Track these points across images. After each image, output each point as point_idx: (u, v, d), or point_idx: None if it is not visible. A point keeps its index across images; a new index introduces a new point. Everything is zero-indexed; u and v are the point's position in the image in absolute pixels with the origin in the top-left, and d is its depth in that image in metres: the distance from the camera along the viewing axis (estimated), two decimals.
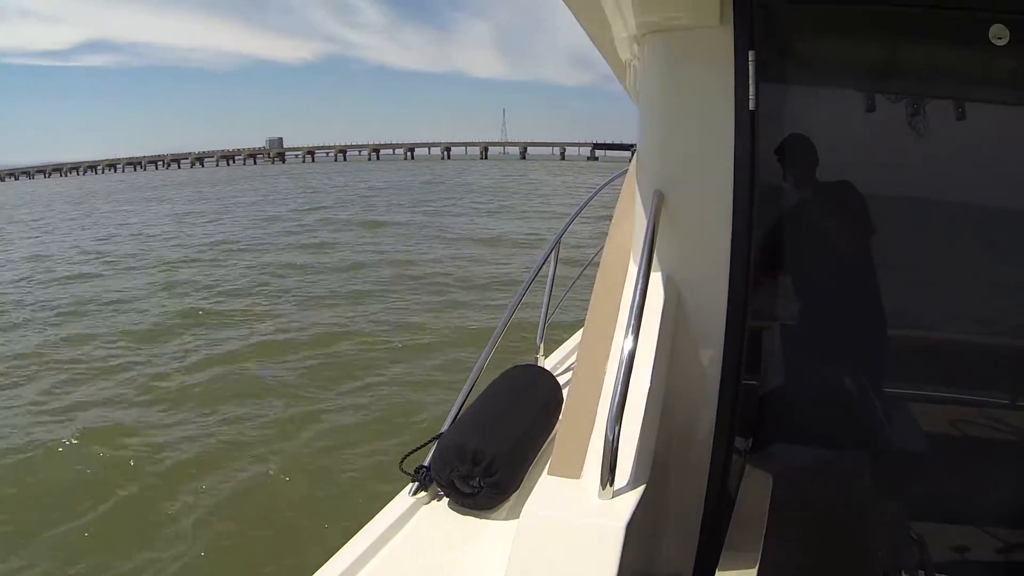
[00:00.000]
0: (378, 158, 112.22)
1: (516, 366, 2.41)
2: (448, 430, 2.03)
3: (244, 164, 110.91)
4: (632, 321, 1.63)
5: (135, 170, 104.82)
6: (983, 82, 1.93)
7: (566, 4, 1.94)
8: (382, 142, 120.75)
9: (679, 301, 1.99)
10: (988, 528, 2.11)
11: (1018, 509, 2.08)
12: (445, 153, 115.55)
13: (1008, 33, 1.76)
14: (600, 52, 2.64)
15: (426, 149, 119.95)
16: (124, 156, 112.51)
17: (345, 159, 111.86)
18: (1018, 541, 2.10)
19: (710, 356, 1.99)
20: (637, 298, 1.67)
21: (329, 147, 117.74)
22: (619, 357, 1.61)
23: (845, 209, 2.04)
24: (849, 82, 2.00)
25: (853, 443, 2.07)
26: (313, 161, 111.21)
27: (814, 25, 1.96)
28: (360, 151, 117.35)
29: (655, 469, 1.78)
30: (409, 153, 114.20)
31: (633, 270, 1.91)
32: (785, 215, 2.04)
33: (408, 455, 2.01)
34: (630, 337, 1.61)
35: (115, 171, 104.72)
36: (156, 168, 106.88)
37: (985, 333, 2.06)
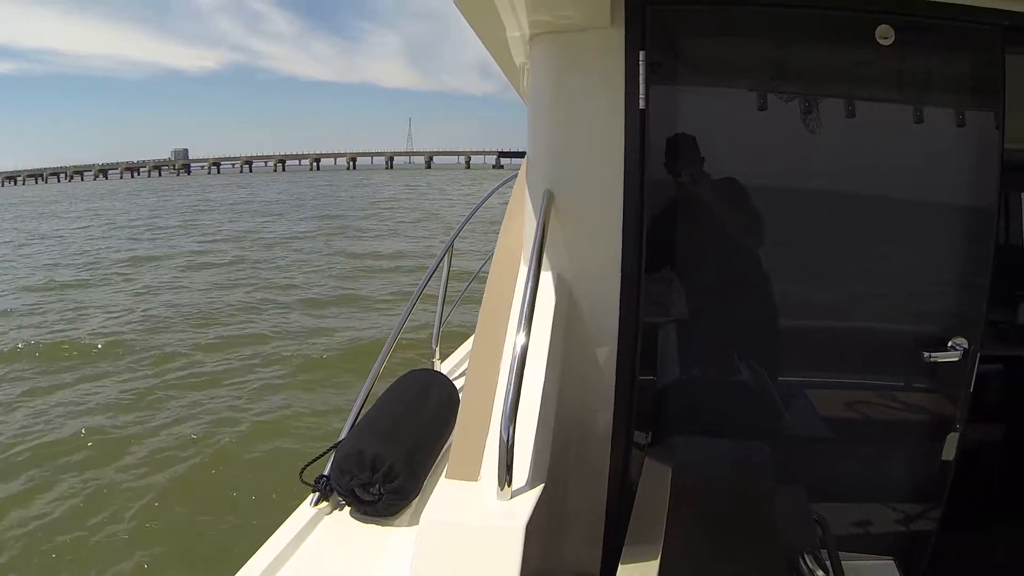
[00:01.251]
0: (284, 169, 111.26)
1: (412, 371, 2.36)
2: (346, 438, 1.96)
3: (149, 176, 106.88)
4: (523, 320, 1.62)
5: (36, 183, 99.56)
6: (870, 81, 1.99)
7: (459, 9, 1.96)
8: (289, 153, 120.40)
9: (571, 299, 2.01)
10: (885, 502, 2.23)
11: (910, 481, 2.19)
12: (351, 163, 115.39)
13: (893, 33, 1.85)
14: (495, 59, 2.65)
15: (332, 160, 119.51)
16: (24, 168, 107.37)
17: (251, 170, 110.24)
18: (914, 512, 2.21)
19: (606, 353, 2.02)
20: (527, 297, 1.67)
21: (235, 158, 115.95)
22: (511, 357, 1.59)
23: (733, 205, 2.07)
24: (740, 81, 2.03)
25: (750, 431, 2.10)
26: (219, 172, 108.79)
27: (705, 25, 1.99)
28: (266, 162, 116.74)
29: (555, 468, 1.79)
30: (315, 164, 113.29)
31: (524, 270, 1.89)
32: (676, 212, 2.05)
33: (307, 465, 1.93)
34: (521, 336, 1.59)
35: (15, 184, 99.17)
36: (58, 180, 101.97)
37: (872, 320, 2.14)
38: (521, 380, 1.55)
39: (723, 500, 1.60)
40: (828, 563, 1.44)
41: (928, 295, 2.12)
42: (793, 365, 2.19)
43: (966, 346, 2.04)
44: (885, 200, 2.05)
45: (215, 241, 21.04)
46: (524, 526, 1.41)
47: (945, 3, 1.84)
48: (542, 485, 1.60)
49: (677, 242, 2.07)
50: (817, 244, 2.10)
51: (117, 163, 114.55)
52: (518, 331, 1.61)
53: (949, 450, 2.14)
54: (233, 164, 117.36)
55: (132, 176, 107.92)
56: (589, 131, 1.96)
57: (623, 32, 1.89)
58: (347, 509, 1.87)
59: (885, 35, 1.88)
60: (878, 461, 2.24)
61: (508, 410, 1.49)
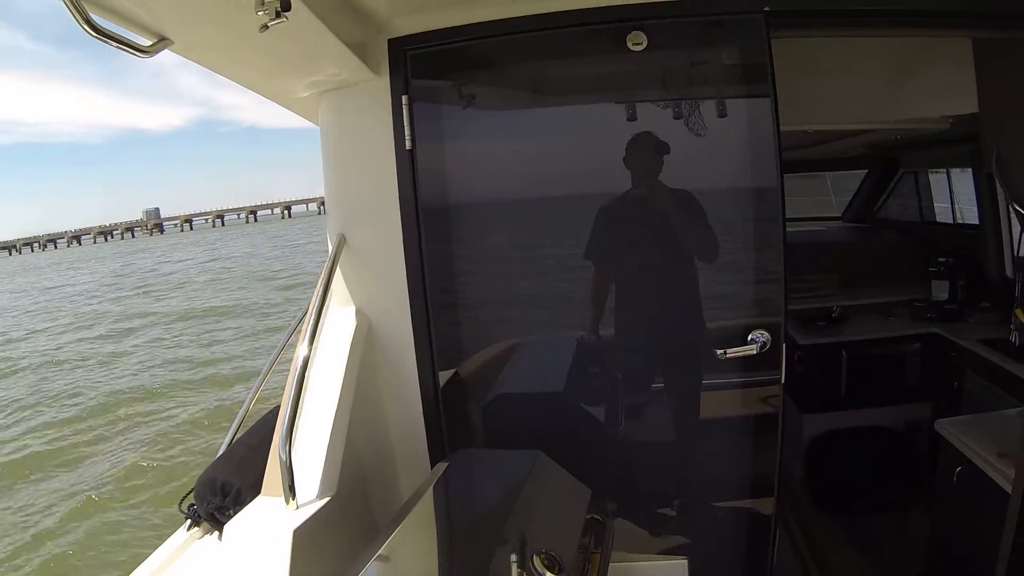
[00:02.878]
0: (255, 219, 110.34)
1: (277, 406, 2.39)
2: (206, 468, 2.08)
3: (122, 238, 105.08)
4: (303, 353, 1.81)
5: (10, 254, 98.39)
6: (641, 86, 2.08)
7: (239, 84, 2.08)
8: (259, 203, 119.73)
9: (371, 330, 2.15)
10: (718, 500, 2.31)
11: (740, 477, 2.25)
12: (321, 208, 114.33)
13: (645, 38, 1.95)
14: (304, 117, 2.73)
15: (303, 205, 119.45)
16: None
17: (223, 223, 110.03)
18: (746, 506, 2.27)
19: (408, 378, 2.15)
20: (309, 330, 1.86)
21: (206, 213, 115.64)
22: (293, 384, 1.77)
23: (508, 223, 2.18)
24: (505, 107, 2.16)
25: (559, 440, 2.09)
26: (192, 229, 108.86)
27: (463, 62, 2.10)
28: (238, 214, 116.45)
29: (357, 482, 1.94)
30: (286, 212, 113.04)
31: (315, 305, 2.00)
32: (452, 238, 2.16)
33: (185, 496, 2.07)
34: (299, 366, 1.79)
35: None
36: (32, 251, 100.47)
37: (678, 322, 2.22)
38: (297, 405, 1.73)
39: (475, 507, 1.71)
40: (589, 564, 1.49)
41: (726, 290, 2.18)
42: (599, 375, 2.26)
43: (766, 338, 2.09)
44: (676, 200, 2.12)
45: None
46: (292, 534, 1.57)
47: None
48: (329, 497, 1.74)
49: (455, 269, 2.18)
50: (569, 252, 2.18)
51: (90, 228, 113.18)
52: (300, 362, 1.78)
53: (772, 443, 2.19)
54: (205, 219, 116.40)
55: (106, 240, 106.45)
56: (371, 175, 2.11)
57: (389, 81, 2.05)
58: (216, 533, 1.99)
59: (637, 41, 1.97)
60: (704, 461, 2.31)
61: (284, 431, 1.68)
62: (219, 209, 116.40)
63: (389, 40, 2.06)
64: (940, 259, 3.91)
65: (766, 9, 1.95)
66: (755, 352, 2.09)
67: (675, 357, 2.27)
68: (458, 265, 2.20)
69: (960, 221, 4.39)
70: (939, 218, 4.65)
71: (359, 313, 2.19)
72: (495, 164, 2.18)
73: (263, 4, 1.36)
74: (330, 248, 2.20)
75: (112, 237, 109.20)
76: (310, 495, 1.75)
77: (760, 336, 2.09)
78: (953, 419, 2.61)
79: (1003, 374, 2.94)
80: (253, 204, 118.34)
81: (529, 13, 1.98)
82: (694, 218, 2.13)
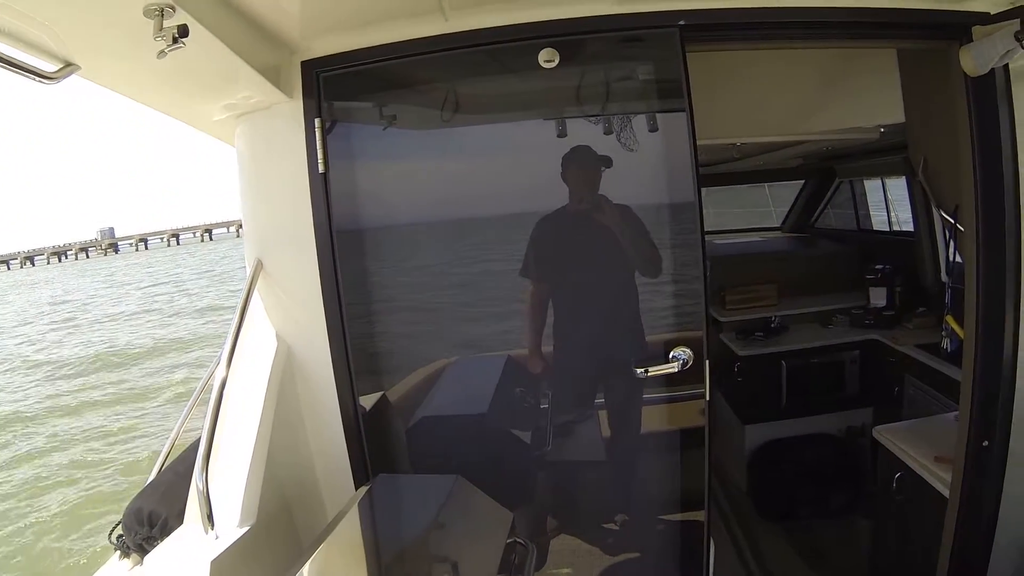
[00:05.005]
0: (211, 238, 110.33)
1: None
2: (132, 498, 2.05)
3: (76, 259, 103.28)
4: (219, 379, 1.79)
5: None
6: (548, 102, 2.08)
7: (153, 109, 2.05)
8: (214, 221, 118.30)
9: (291, 356, 2.11)
10: (651, 514, 2.32)
11: (674, 491, 2.24)
12: (239, 230, 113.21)
13: (557, 55, 1.94)
14: (224, 141, 2.66)
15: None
16: None
17: (179, 243, 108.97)
18: (678, 519, 2.27)
19: (329, 403, 2.11)
20: (225, 358, 1.83)
21: (161, 232, 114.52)
22: (209, 411, 1.75)
23: (422, 246, 2.16)
24: (421, 127, 2.13)
25: (482, 464, 2.13)
26: (147, 248, 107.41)
27: (377, 83, 2.08)
28: (194, 233, 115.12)
29: (281, 508, 1.93)
30: (240, 229, 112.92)
31: (231, 332, 1.97)
32: (367, 260, 2.14)
33: (114, 527, 2.04)
34: (214, 393, 1.77)
35: None
36: None
37: (602, 341, 2.20)
38: (214, 433, 1.72)
39: (391, 533, 1.71)
40: None
41: (647, 306, 2.16)
42: (529, 395, 2.23)
43: (687, 355, 2.08)
44: (616, 215, 2.10)
45: None
46: (209, 565, 1.55)
47: (618, 15, 1.92)
48: (250, 524, 1.72)
49: (375, 293, 2.16)
50: (485, 270, 2.18)
51: (43, 248, 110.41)
52: (214, 389, 1.78)
53: (700, 456, 2.18)
54: (161, 238, 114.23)
55: (60, 260, 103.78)
56: (286, 199, 2.08)
57: (302, 104, 2.02)
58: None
59: (548, 58, 1.96)
60: (642, 476, 2.30)
61: (201, 459, 1.67)
62: (174, 228, 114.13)
63: (302, 62, 2.03)
64: (877, 266, 3.98)
65: (681, 23, 1.94)
66: (676, 370, 2.08)
67: (614, 373, 2.24)
68: (378, 288, 2.17)
69: (896, 228, 4.48)
70: (876, 226, 4.75)
71: (278, 338, 2.14)
72: (414, 185, 2.15)
73: (161, 31, 1.34)
74: (248, 272, 2.16)
75: (66, 257, 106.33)
76: (231, 523, 1.72)
77: (682, 353, 2.08)
78: (890, 425, 2.63)
79: (940, 378, 2.98)
80: (207, 223, 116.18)
81: (440, 32, 1.96)
82: (636, 232, 2.10)
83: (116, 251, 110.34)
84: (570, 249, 2.19)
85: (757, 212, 5.41)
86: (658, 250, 2.08)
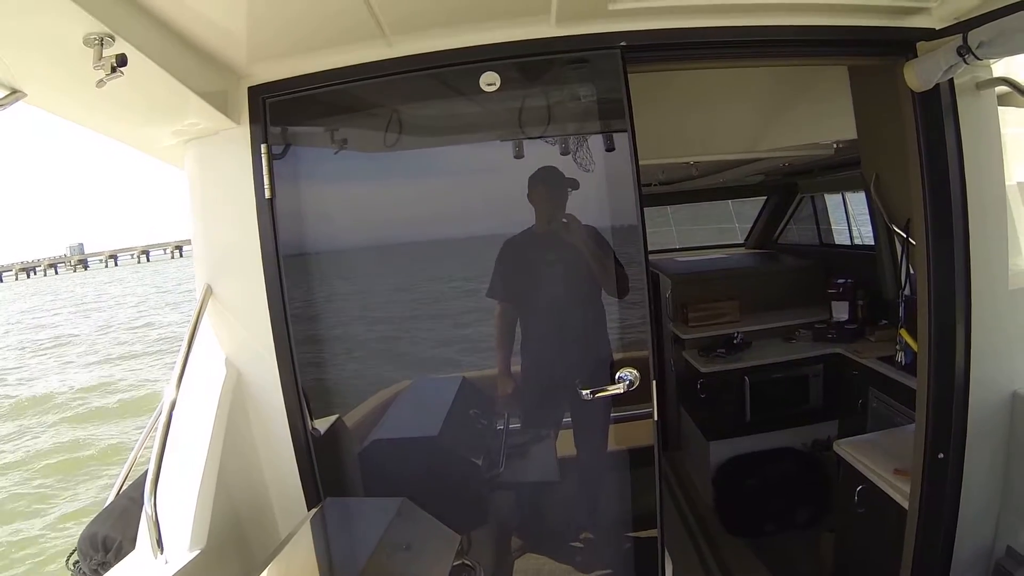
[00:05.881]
0: (181, 255, 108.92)
1: None
2: (87, 524, 2.04)
3: (45, 275, 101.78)
4: (168, 403, 1.81)
5: None
6: (490, 124, 2.09)
7: (102, 135, 2.06)
8: (185, 238, 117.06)
9: (240, 381, 2.11)
10: (606, 533, 2.32)
11: (627, 510, 2.26)
12: (174, 252, 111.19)
13: (498, 78, 1.95)
14: (174, 165, 2.63)
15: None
16: None
17: (148, 260, 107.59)
18: (632, 538, 2.28)
19: (279, 428, 2.11)
20: (174, 383, 1.85)
21: (131, 248, 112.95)
22: (158, 436, 1.75)
23: (372, 270, 2.18)
24: (367, 149, 2.15)
25: (433, 487, 2.12)
26: (116, 265, 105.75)
27: (322, 108, 2.09)
28: (164, 249, 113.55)
29: (233, 532, 1.93)
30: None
31: (180, 358, 1.96)
32: (313, 283, 2.14)
33: (71, 554, 2.02)
34: (163, 417, 1.79)
35: None
36: None
37: (552, 363, 2.20)
38: (162, 458, 1.73)
39: (337, 556, 1.70)
40: None
41: (597, 329, 2.17)
42: (483, 416, 2.24)
43: (633, 376, 2.08)
44: (583, 235, 2.11)
45: None
46: None
47: (559, 37, 1.93)
48: (200, 549, 1.74)
49: (325, 317, 2.16)
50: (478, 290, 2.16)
51: (12, 264, 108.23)
52: (162, 414, 1.79)
53: (651, 475, 2.17)
54: (131, 255, 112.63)
55: (28, 276, 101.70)
56: (234, 224, 2.08)
57: (249, 130, 2.03)
58: None
59: (490, 81, 1.98)
60: (602, 495, 2.30)
61: (150, 485, 1.67)
62: (144, 245, 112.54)
63: (248, 88, 2.04)
64: (839, 280, 4.02)
65: (622, 44, 1.94)
66: (622, 391, 2.07)
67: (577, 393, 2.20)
68: (332, 312, 2.16)
69: (858, 242, 4.54)
70: (838, 240, 4.82)
71: (228, 363, 2.13)
72: (363, 209, 2.15)
73: (100, 60, 1.35)
74: (197, 296, 2.14)
75: (35, 273, 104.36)
76: (181, 547, 1.73)
77: (627, 375, 2.07)
78: (851, 439, 2.66)
79: (902, 389, 3.01)
80: (177, 240, 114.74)
81: (384, 57, 1.97)
82: (603, 252, 2.10)
83: (86, 267, 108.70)
84: (539, 269, 2.19)
85: (721, 229, 5.44)
86: (625, 269, 2.08)
